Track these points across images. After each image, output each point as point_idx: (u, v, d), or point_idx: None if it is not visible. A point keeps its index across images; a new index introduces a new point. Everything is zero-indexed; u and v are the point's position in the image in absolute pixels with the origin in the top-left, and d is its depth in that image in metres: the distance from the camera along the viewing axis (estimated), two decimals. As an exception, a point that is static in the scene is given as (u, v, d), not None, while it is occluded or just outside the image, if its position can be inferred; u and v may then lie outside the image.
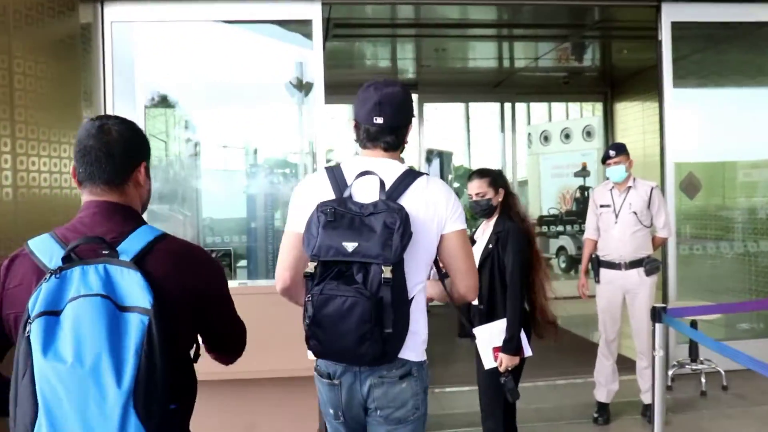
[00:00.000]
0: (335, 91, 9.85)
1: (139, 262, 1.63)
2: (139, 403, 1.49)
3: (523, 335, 3.48)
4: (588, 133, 12.76)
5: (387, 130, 2.26)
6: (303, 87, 6.12)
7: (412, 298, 2.20)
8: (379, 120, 2.25)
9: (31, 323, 1.52)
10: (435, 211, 2.23)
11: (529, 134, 15.23)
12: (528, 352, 3.50)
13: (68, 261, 1.61)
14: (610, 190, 5.05)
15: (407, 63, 9.28)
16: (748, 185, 6.91)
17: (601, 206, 5.07)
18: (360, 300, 2.02)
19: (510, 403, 3.51)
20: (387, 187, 2.20)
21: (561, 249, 12.43)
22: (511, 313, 3.44)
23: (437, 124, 28.89)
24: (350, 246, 2.05)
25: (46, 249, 1.66)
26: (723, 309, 4.44)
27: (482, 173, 3.65)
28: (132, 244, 1.67)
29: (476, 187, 3.63)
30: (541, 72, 9.75)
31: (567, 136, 13.64)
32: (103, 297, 1.55)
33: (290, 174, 6.87)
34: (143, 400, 1.50)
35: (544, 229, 12.86)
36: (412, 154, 22.89)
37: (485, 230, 3.69)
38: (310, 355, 2.26)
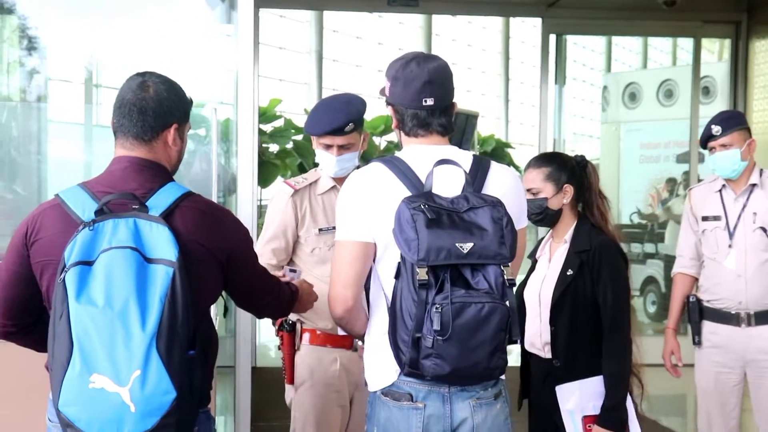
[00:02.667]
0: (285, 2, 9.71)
1: (167, 217, 2.64)
2: (162, 345, 2.46)
3: (630, 404, 3.84)
4: (705, 90, 12.56)
5: (438, 111, 3.05)
6: (230, -7, 6.06)
7: None
8: (430, 101, 3.01)
9: (66, 271, 2.50)
10: (515, 203, 3.04)
11: (606, 88, 15.08)
12: (636, 428, 3.85)
13: (101, 213, 2.60)
14: (718, 192, 4.96)
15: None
16: None
17: (704, 219, 4.98)
18: (498, 306, 2.74)
19: None
20: (470, 167, 2.99)
21: (650, 281, 12.26)
22: (616, 370, 3.80)
23: (454, 65, 28.91)
24: (466, 246, 2.74)
25: (78, 201, 2.68)
26: None
27: (540, 160, 4.07)
28: (160, 200, 2.69)
29: (528, 181, 4.02)
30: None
31: (669, 94, 13.48)
32: (132, 249, 2.53)
33: (204, 138, 6.65)
34: (165, 343, 2.47)
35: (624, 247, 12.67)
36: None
37: (553, 248, 4.07)
38: (382, 379, 2.98)
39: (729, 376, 4.89)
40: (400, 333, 2.82)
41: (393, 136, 18.60)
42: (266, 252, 4.09)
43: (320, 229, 4.16)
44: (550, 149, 9.90)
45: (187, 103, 2.95)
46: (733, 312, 4.83)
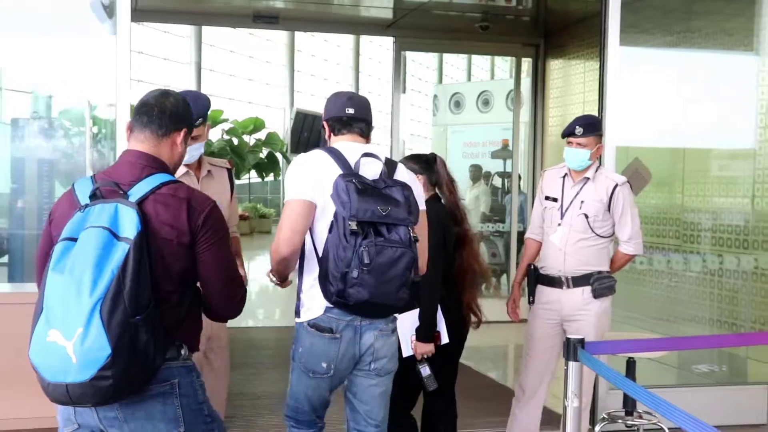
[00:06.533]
0: (172, 17, 9.54)
1: (142, 203, 2.70)
2: (105, 309, 2.50)
3: (440, 320, 4.33)
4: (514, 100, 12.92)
5: (358, 119, 3.57)
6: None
7: None
8: (351, 110, 3.57)
9: (56, 245, 2.64)
10: (415, 190, 3.51)
11: (436, 97, 15.29)
12: (445, 338, 4.36)
13: (94, 198, 2.71)
14: (562, 178, 5.00)
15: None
16: (716, 180, 7.14)
17: (547, 198, 5.02)
18: (407, 251, 3.29)
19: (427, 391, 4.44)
20: (380, 167, 3.47)
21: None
22: (423, 297, 4.18)
23: (313, 77, 28.75)
24: (384, 210, 3.27)
25: (83, 189, 2.77)
26: (663, 345, 4.46)
27: (405, 158, 4.55)
28: (140, 188, 2.74)
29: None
30: (454, 11, 9.71)
31: (486, 103, 13.76)
32: (105, 228, 2.59)
33: (99, 135, 6.49)
34: (108, 307, 2.51)
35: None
36: (276, 116, 22.48)
37: None
38: (310, 313, 3.46)
39: (551, 326, 4.94)
40: (331, 271, 3.29)
41: (260, 135, 18.55)
42: None
43: None
44: (398, 146, 10.08)
45: (193, 119, 3.13)
46: (556, 277, 4.90)
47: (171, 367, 2.75)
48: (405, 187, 3.40)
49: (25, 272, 5.89)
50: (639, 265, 6.87)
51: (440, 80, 26.64)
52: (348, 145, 3.53)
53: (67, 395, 2.55)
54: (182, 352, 2.81)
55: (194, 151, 4.11)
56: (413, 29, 9.89)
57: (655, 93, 6.83)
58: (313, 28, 10.22)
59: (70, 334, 2.50)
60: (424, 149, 15.70)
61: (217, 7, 9.45)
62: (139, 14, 8.83)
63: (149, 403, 2.71)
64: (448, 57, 26.63)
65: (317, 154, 3.49)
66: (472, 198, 12.28)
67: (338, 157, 3.44)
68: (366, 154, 3.48)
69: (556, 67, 10.07)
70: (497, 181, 12.92)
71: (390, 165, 3.55)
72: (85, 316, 2.50)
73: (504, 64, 16.47)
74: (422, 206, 3.61)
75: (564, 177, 4.97)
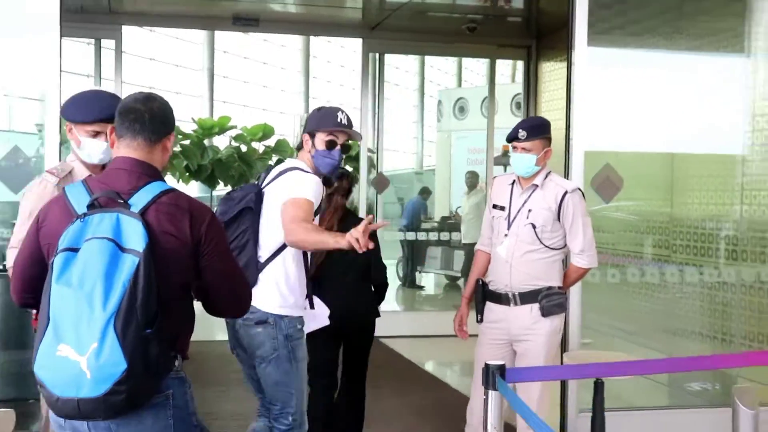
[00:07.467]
0: (150, 20, 9.36)
1: (144, 213, 2.69)
2: (119, 323, 2.50)
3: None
4: (518, 105, 12.68)
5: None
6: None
7: (272, 255, 4.01)
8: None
9: (56, 255, 2.59)
10: (282, 188, 3.98)
11: (440, 102, 15.07)
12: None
13: (92, 208, 2.67)
14: (510, 185, 4.74)
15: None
16: (704, 186, 6.99)
17: (494, 207, 4.78)
18: None
19: None
20: (273, 175, 4.12)
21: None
22: None
23: (329, 83, 28.68)
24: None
25: (77, 196, 2.76)
26: (598, 371, 4.17)
27: None
28: (141, 198, 2.73)
29: None
30: (442, 11, 9.56)
31: (490, 108, 13.51)
32: (109, 239, 2.58)
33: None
34: (122, 321, 2.51)
35: (446, 236, 12.63)
36: (290, 123, 22.31)
37: None
38: None
39: (499, 346, 4.69)
40: None
41: (269, 142, 18.48)
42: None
43: None
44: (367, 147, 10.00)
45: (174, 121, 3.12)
46: (503, 293, 4.65)
47: (167, 378, 2.75)
48: (243, 190, 4.17)
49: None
50: (611, 277, 6.69)
51: (459, 84, 26.33)
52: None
53: (77, 410, 2.55)
54: (176, 363, 2.80)
55: (104, 153, 3.73)
56: (395, 31, 9.72)
57: (638, 96, 6.62)
58: (293, 30, 10.09)
59: (84, 349, 2.50)
60: (432, 155, 15.45)
61: (195, 9, 9.33)
62: (114, 17, 8.80)
63: (142, 414, 2.69)
64: (466, 62, 26.41)
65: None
66: (472, 206, 11.98)
67: (265, 173, 4.31)
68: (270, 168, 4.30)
69: (548, 69, 9.82)
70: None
71: (281, 172, 4.09)
72: (99, 331, 2.49)
73: (506, 69, 16.19)
74: (287, 195, 3.94)
75: (512, 184, 4.71)
